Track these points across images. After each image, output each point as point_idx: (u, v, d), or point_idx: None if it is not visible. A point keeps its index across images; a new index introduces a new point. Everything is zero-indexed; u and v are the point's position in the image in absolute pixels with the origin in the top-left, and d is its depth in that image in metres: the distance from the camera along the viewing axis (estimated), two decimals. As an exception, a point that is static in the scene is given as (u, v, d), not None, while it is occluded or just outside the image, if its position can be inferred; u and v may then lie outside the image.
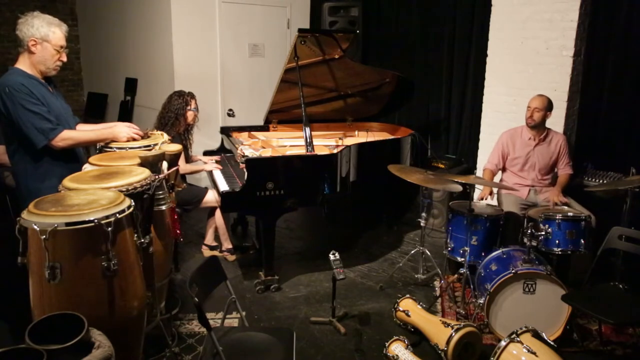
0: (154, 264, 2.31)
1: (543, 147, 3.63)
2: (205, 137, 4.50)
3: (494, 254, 3.05)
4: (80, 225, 1.67)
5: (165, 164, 2.47)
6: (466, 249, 3.16)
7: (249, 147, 3.85)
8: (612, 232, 2.77)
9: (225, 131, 4.41)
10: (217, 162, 3.96)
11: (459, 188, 3.12)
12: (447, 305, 3.27)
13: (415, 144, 4.15)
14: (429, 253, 3.55)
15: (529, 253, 2.83)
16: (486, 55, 4.33)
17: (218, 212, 3.80)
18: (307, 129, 3.47)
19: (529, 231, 2.81)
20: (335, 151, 3.52)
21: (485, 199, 3.58)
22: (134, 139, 2.65)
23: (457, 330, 2.52)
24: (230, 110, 5.24)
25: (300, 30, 3.60)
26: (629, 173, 3.19)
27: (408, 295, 3.01)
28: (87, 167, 2.32)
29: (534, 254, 2.89)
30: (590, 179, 3.75)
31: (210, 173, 3.85)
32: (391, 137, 4.39)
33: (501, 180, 3.82)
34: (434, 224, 4.51)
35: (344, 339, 2.90)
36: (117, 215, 1.77)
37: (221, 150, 4.40)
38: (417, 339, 2.83)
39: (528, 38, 4.01)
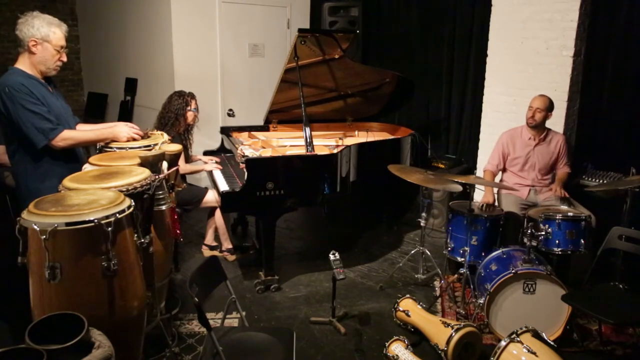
0: (154, 264, 2.31)
1: (543, 147, 3.63)
2: (205, 137, 4.50)
3: (494, 254, 3.05)
4: (80, 225, 1.67)
5: (165, 164, 2.47)
6: (466, 249, 3.16)
7: (249, 147, 3.85)
8: (612, 232, 2.77)
9: (225, 131, 4.40)
10: (217, 162, 3.95)
11: (459, 188, 3.12)
12: (447, 305, 3.27)
13: (415, 144, 4.15)
14: (429, 253, 3.55)
15: (529, 253, 2.83)
16: (486, 55, 4.33)
17: (218, 212, 3.80)
18: (307, 129, 3.47)
19: (529, 231, 2.81)
20: (335, 151, 3.52)
21: (486, 208, 3.56)
22: (134, 139, 2.65)
23: (457, 330, 2.52)
24: (230, 110, 5.24)
25: (300, 30, 3.60)
26: (629, 173, 3.19)
27: (408, 295, 3.01)
28: (87, 167, 2.32)
29: (534, 254, 2.89)
30: (590, 179, 3.75)
31: (210, 173, 3.85)
32: (391, 137, 4.38)
33: (501, 180, 3.82)
34: (434, 224, 4.51)
35: (344, 339, 2.90)
36: (117, 215, 1.77)
37: (221, 150, 4.40)
38: (417, 339, 2.83)
39: (528, 38, 4.01)
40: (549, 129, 3.67)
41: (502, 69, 4.22)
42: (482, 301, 2.83)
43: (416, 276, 3.61)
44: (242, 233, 4.55)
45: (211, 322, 2.59)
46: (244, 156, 3.40)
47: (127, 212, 1.83)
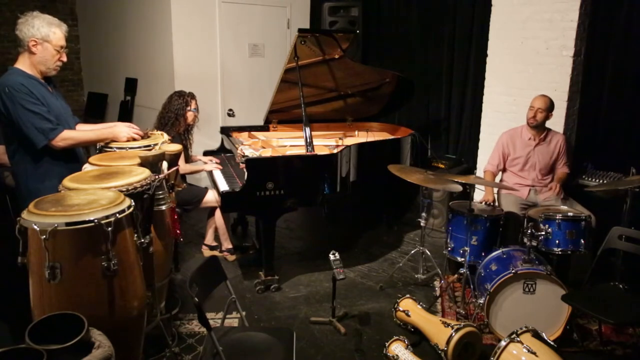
0: (154, 264, 2.31)
1: (543, 147, 3.64)
2: (205, 137, 4.50)
3: (494, 254, 3.05)
4: (80, 225, 1.67)
5: (165, 164, 2.47)
6: (466, 249, 3.16)
7: (249, 147, 3.85)
8: (612, 232, 2.77)
9: (225, 131, 4.41)
10: (217, 162, 3.95)
11: (459, 188, 3.12)
12: (447, 305, 3.27)
13: (415, 144, 4.15)
14: (429, 253, 3.55)
15: (529, 253, 2.83)
16: (486, 55, 4.33)
17: (218, 212, 3.80)
18: (307, 129, 3.47)
19: (529, 231, 2.81)
20: (335, 151, 3.52)
21: (488, 204, 3.56)
22: (134, 139, 2.65)
23: (457, 330, 2.52)
24: (230, 110, 5.24)
25: (300, 30, 3.60)
26: (629, 173, 3.19)
27: (408, 295, 3.01)
28: (87, 167, 2.32)
29: (534, 254, 2.89)
30: (590, 179, 3.75)
31: (210, 173, 3.85)
32: (391, 137, 4.38)
33: (501, 180, 3.82)
34: (434, 224, 4.51)
35: (344, 339, 2.90)
36: (117, 215, 1.77)
37: (221, 150, 4.40)
38: (417, 339, 2.83)
39: (528, 38, 4.01)
40: (549, 129, 3.68)
41: (502, 69, 4.22)
42: (482, 301, 2.83)
43: (416, 276, 3.61)
44: (242, 233, 4.55)
45: (211, 322, 2.59)
46: (244, 156, 3.40)
47: (127, 212, 1.83)
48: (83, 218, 1.68)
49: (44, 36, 2.39)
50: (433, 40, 5.12)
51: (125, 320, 1.87)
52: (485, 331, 2.84)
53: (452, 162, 4.81)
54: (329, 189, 3.40)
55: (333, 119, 4.62)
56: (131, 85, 5.76)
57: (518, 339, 2.33)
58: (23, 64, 2.43)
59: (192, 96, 3.77)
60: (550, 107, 3.55)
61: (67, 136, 2.45)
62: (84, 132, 2.61)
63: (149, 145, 2.59)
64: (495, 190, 3.72)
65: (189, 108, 3.72)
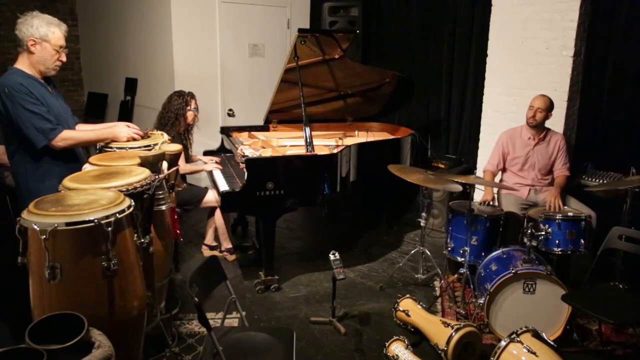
0: (154, 264, 2.31)
1: (542, 147, 3.63)
2: (205, 137, 4.50)
3: (494, 254, 3.05)
4: (80, 225, 1.67)
5: (165, 164, 2.47)
6: (466, 249, 3.16)
7: (249, 147, 3.85)
8: (612, 232, 2.77)
9: (225, 131, 4.40)
10: (217, 162, 3.95)
11: (459, 188, 3.12)
12: (447, 305, 3.27)
13: (415, 144, 4.15)
14: (429, 253, 3.55)
15: (529, 253, 2.83)
16: (486, 55, 4.33)
17: (218, 212, 3.80)
18: (307, 129, 3.47)
19: (529, 231, 2.81)
20: (335, 151, 3.52)
21: (487, 204, 3.56)
22: (134, 139, 2.65)
23: (457, 330, 2.52)
24: (230, 110, 5.24)
25: (300, 30, 3.60)
26: (629, 173, 3.19)
27: (408, 295, 3.01)
28: (87, 167, 2.32)
29: (534, 254, 2.89)
30: (590, 179, 3.75)
31: (210, 173, 3.85)
32: (391, 137, 4.39)
33: (501, 180, 3.82)
34: (434, 224, 4.51)
35: (344, 339, 2.90)
36: (117, 215, 1.77)
37: (221, 150, 4.40)
38: (417, 339, 2.83)
39: (528, 38, 4.01)
40: (549, 129, 3.68)
41: (502, 69, 4.22)
42: (482, 301, 2.83)
43: (416, 276, 3.61)
44: (242, 233, 4.55)
45: (211, 322, 2.59)
46: (244, 156, 3.40)
47: (127, 212, 1.83)
48: (83, 218, 1.68)
49: (43, 36, 2.39)
50: (433, 40, 5.12)
51: (125, 320, 1.87)
52: (485, 331, 2.84)
53: (452, 162, 4.81)
54: (329, 189, 3.40)
55: (333, 119, 4.62)
56: (131, 85, 5.76)
57: (518, 339, 2.33)
58: (22, 64, 2.43)
59: (191, 96, 3.77)
60: (549, 106, 3.55)
61: (67, 136, 2.45)
62: (84, 132, 2.61)
63: (149, 145, 2.59)
64: (495, 190, 3.72)
65: (188, 108, 3.72)
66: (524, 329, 2.39)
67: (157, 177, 2.22)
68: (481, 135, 4.47)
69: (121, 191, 1.96)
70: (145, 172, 2.17)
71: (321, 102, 4.41)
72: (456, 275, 3.24)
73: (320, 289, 3.49)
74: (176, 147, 2.70)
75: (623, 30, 3.86)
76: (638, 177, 3.04)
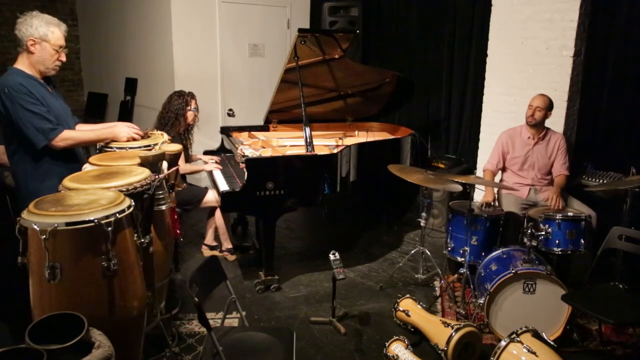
0: (154, 264, 2.31)
1: (542, 146, 3.63)
2: (205, 137, 4.50)
3: (494, 254, 3.05)
4: (80, 225, 1.67)
5: (165, 164, 2.47)
6: (466, 249, 3.16)
7: (249, 147, 3.85)
8: (612, 232, 2.77)
9: (225, 131, 4.40)
10: (217, 162, 3.95)
11: (459, 188, 3.12)
12: (447, 305, 3.27)
13: (415, 144, 4.15)
14: (429, 253, 3.55)
15: (529, 253, 2.83)
16: (486, 55, 4.33)
17: (218, 212, 3.80)
18: (307, 129, 3.47)
19: (529, 231, 2.81)
20: (335, 151, 3.52)
21: (487, 205, 3.55)
22: (134, 139, 2.65)
23: (457, 330, 2.52)
24: (230, 110, 5.24)
25: (300, 30, 3.60)
26: (629, 173, 3.19)
27: (408, 295, 3.01)
28: (87, 167, 2.32)
29: (534, 254, 2.89)
30: (590, 179, 3.75)
31: (210, 173, 3.85)
32: (391, 137, 4.39)
33: (501, 180, 3.82)
34: (434, 224, 4.51)
35: (344, 339, 2.90)
36: (117, 215, 1.76)
37: (221, 150, 4.40)
38: (417, 339, 2.83)
39: (528, 38, 4.01)
40: (548, 129, 3.68)
41: (502, 69, 4.22)
42: (482, 301, 2.83)
43: (416, 276, 3.61)
44: (242, 233, 4.55)
45: (211, 322, 2.59)
46: (244, 156, 3.40)
47: (127, 212, 1.83)
48: (83, 218, 1.68)
49: (42, 35, 2.38)
50: (433, 40, 5.12)
51: (125, 320, 1.87)
52: (485, 331, 2.84)
53: (452, 162, 4.81)
54: (329, 189, 3.40)
55: (333, 119, 4.62)
56: (131, 85, 5.76)
57: (518, 339, 2.33)
58: (22, 64, 2.43)
59: (191, 96, 3.77)
60: (549, 106, 3.55)
61: (67, 136, 2.45)
62: (84, 132, 2.61)
63: (149, 145, 2.59)
64: (496, 190, 3.72)
65: (188, 108, 3.72)
66: (524, 329, 2.39)
67: (157, 177, 2.22)
68: (481, 135, 4.47)
69: (121, 191, 1.96)
70: (145, 172, 2.17)
71: (321, 102, 4.41)
72: (456, 275, 3.24)
73: (320, 289, 3.49)
74: (176, 147, 2.70)
75: (623, 30, 3.86)
76: (638, 177, 3.04)
